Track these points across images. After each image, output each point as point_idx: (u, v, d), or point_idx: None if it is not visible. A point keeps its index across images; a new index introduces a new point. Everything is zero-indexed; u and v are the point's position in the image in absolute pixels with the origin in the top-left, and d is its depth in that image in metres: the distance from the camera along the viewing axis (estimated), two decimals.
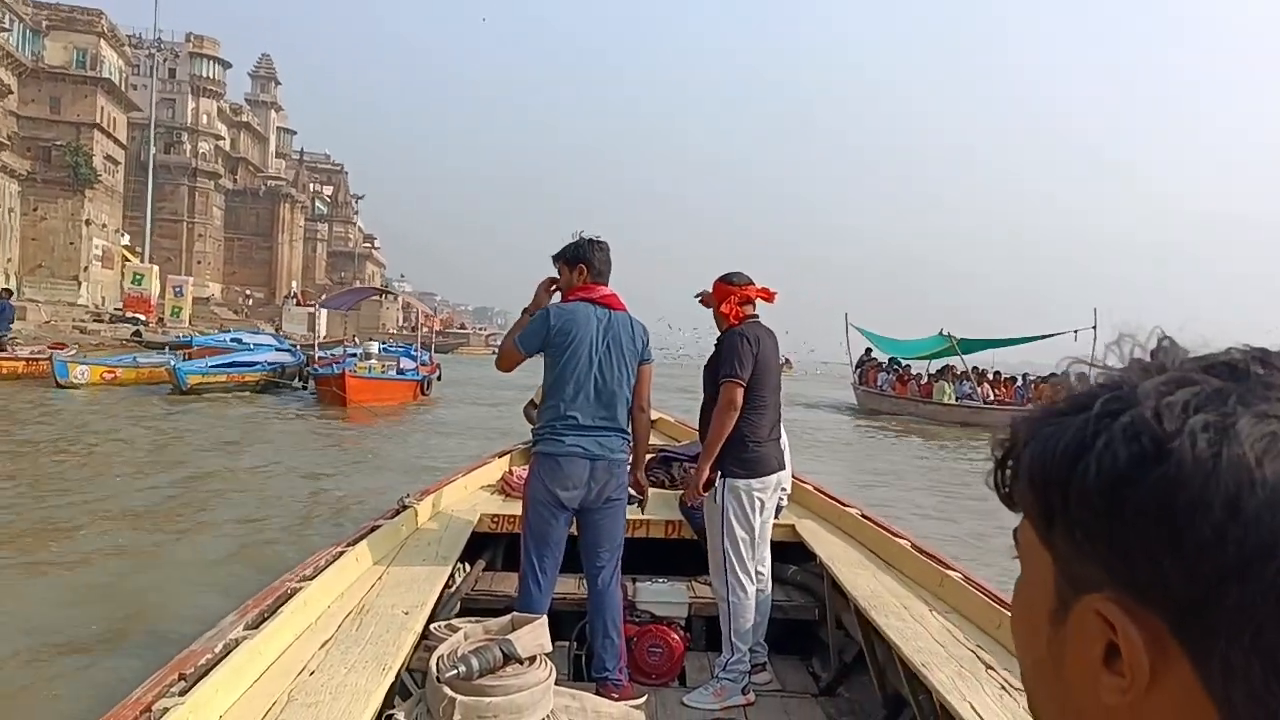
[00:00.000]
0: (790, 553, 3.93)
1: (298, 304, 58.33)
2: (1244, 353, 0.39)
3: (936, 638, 2.68)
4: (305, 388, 19.87)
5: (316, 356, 21.08)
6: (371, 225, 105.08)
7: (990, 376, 23.08)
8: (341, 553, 3.06)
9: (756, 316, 3.44)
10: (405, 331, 58.75)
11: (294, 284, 68.52)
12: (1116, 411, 0.39)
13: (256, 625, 2.34)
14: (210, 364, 19.21)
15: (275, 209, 69.51)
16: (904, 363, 24.98)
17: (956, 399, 22.05)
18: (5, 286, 24.25)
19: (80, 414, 14.40)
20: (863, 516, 3.99)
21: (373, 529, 3.42)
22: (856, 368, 26.36)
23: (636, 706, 2.65)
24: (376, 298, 62.01)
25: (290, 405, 18.00)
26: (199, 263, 59.80)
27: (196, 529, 7.40)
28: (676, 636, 3.52)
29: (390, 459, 11.71)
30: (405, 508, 3.79)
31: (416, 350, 22.77)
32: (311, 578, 2.76)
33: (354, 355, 20.26)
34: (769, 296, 3.47)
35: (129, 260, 48.52)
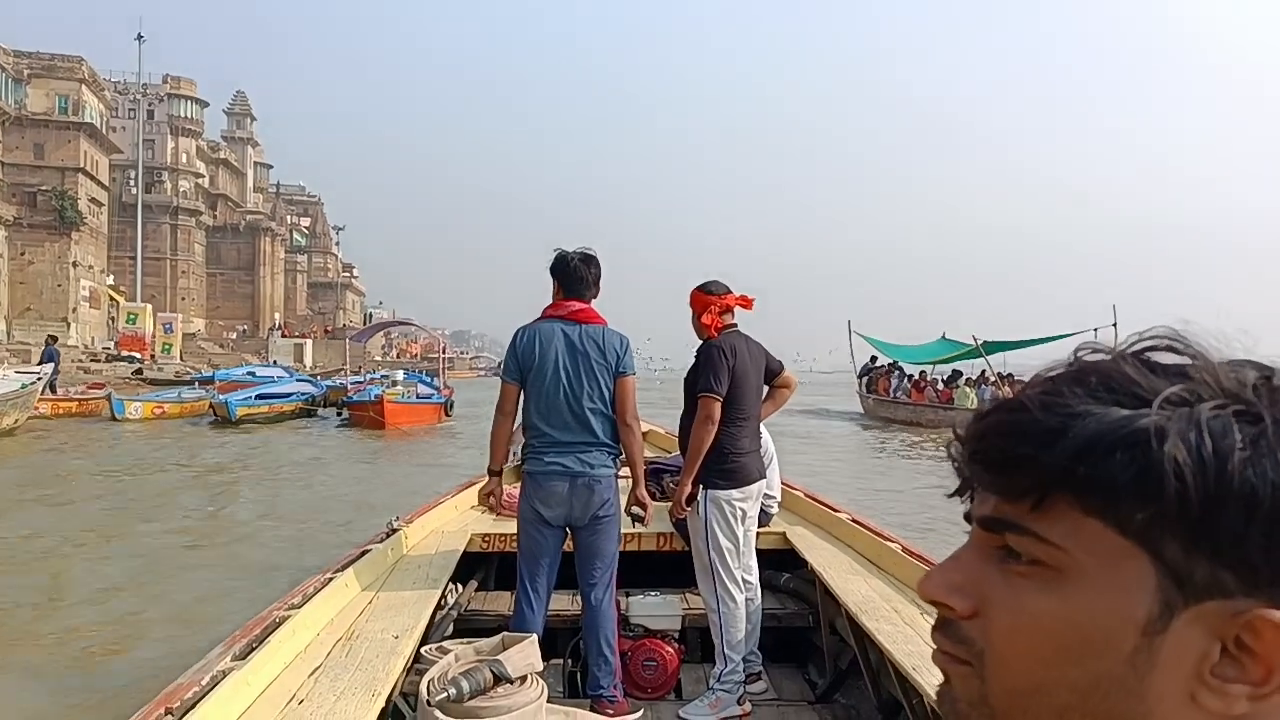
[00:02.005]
0: (782, 560, 3.91)
1: (283, 335, 59.18)
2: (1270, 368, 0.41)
3: (928, 641, 2.46)
4: (340, 414, 21.61)
5: (349, 384, 23.94)
6: (349, 253, 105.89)
7: (1009, 379, 22.26)
8: (330, 579, 3.02)
9: (735, 326, 3.42)
10: (390, 359, 59.75)
11: (276, 316, 69.20)
12: (1252, 414, 0.39)
13: (244, 656, 2.31)
14: (254, 396, 21.21)
15: (256, 243, 70.13)
16: (909, 370, 24.59)
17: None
18: (51, 334, 25.66)
19: (165, 443, 16.36)
20: (854, 521, 3.97)
21: (362, 554, 3.38)
22: (862, 375, 25.90)
23: None
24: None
25: (330, 430, 19.81)
26: (183, 299, 60.13)
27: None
28: (670, 650, 3.50)
29: (452, 468, 12.66)
30: (394, 531, 3.75)
31: (439, 378, 25.74)
32: (300, 605, 2.72)
33: (369, 382, 23.00)
34: (747, 304, 3.44)
35: (116, 300, 49.14)
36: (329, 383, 26.23)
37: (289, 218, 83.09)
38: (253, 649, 2.36)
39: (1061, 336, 21.55)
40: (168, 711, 1.95)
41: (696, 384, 3.30)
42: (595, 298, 3.27)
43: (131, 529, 8.65)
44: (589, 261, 3.24)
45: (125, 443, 16.21)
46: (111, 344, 43.11)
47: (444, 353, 35.36)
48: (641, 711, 3.08)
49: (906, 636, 2.72)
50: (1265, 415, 0.39)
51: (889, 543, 3.61)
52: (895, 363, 25.17)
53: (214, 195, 69.99)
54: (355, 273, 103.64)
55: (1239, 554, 0.38)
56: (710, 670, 3.39)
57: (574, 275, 3.21)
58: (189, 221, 62.29)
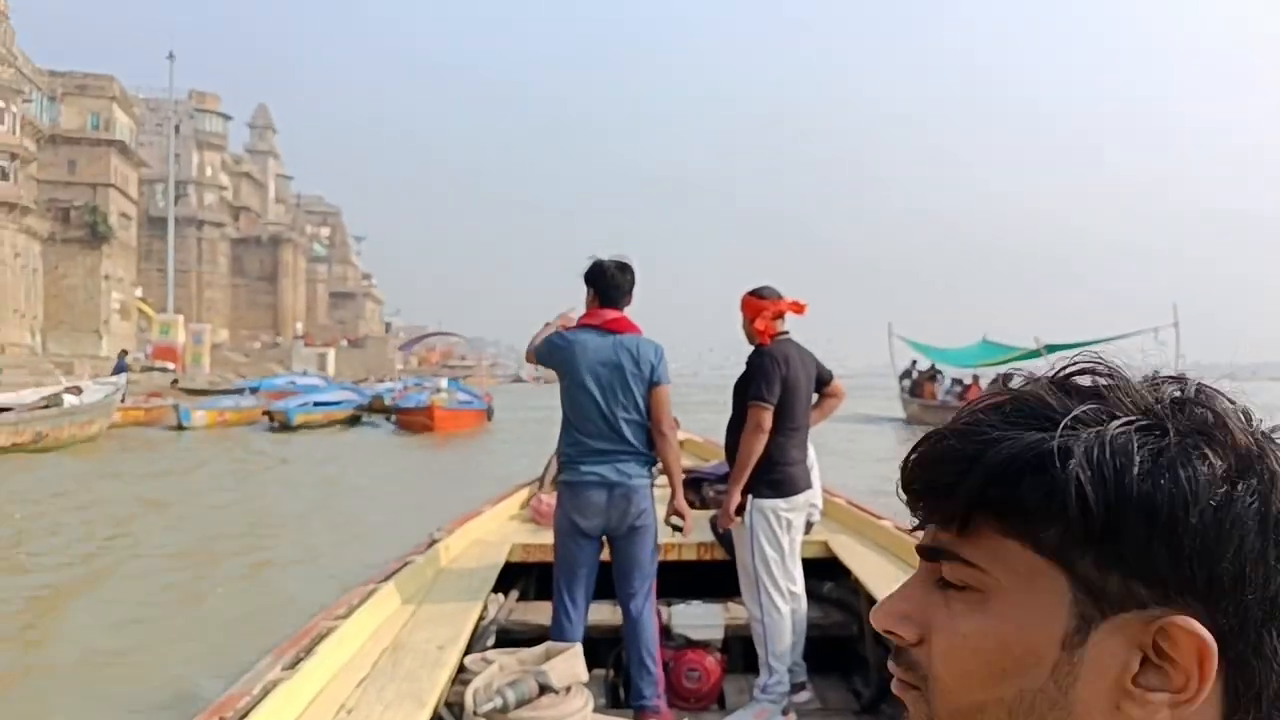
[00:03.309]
0: (825, 569, 3.91)
1: (306, 345, 60.47)
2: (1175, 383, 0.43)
3: None
4: (389, 419, 23.03)
5: (398, 390, 26.21)
6: (367, 262, 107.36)
7: None
8: (374, 590, 3.06)
9: (787, 333, 3.39)
10: (410, 367, 60.97)
11: (298, 326, 70.50)
12: (1158, 429, 0.40)
13: (293, 665, 2.35)
14: (312, 403, 22.50)
15: (277, 254, 71.42)
16: (954, 373, 24.57)
17: None
18: (124, 349, 26.86)
19: (251, 447, 17.64)
20: (897, 528, 3.94)
21: (404, 565, 3.41)
22: (903, 378, 25.71)
23: None
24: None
25: (386, 435, 20.96)
26: (208, 310, 61.51)
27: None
28: (713, 660, 3.49)
29: (511, 466, 13.26)
30: (435, 541, 3.79)
31: (479, 386, 28.12)
32: (345, 616, 2.77)
33: (407, 389, 25.08)
34: (800, 309, 3.42)
35: (146, 313, 50.40)
36: (370, 391, 27.57)
37: (308, 227, 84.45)
38: (301, 659, 2.40)
39: (1124, 336, 20.99)
40: None
41: (748, 391, 3.27)
42: (629, 305, 3.29)
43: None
44: (625, 269, 3.25)
45: (209, 447, 17.19)
46: (142, 355, 44.24)
47: (466, 361, 37.53)
48: None
49: None
50: (1170, 429, 0.40)
51: None
52: (933, 366, 25.07)
53: (236, 207, 71.26)
54: (374, 281, 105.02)
55: (1146, 565, 0.39)
56: (754, 680, 3.38)
57: (610, 283, 3.22)
58: (214, 234, 63.61)
